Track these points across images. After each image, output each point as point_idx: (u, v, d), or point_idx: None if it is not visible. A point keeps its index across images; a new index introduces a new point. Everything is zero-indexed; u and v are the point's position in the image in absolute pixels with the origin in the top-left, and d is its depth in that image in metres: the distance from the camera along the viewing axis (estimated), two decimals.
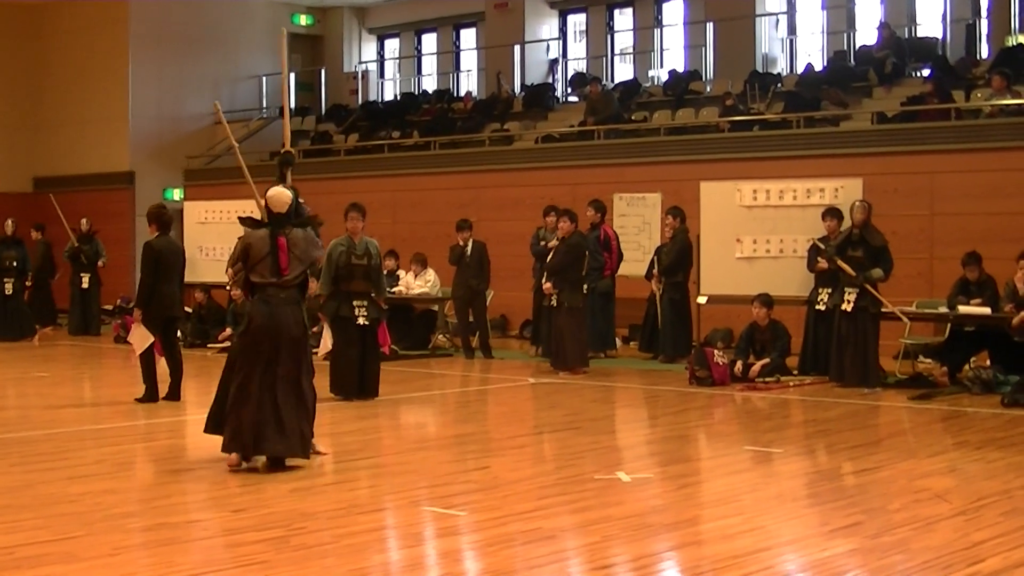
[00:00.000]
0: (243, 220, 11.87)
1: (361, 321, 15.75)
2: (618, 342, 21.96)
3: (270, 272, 11.29)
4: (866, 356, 17.05)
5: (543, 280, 19.42)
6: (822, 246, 17.75)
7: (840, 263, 17.14)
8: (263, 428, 11.10)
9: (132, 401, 16.03)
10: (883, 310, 17.21)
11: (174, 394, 16.09)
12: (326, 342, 15.53)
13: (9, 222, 25.83)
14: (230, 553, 8.41)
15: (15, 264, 25.56)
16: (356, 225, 15.90)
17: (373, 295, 15.99)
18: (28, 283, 25.91)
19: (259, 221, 11.57)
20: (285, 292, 11.35)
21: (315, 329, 16.03)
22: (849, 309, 17.02)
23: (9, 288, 25.45)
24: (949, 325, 17.85)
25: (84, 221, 26.61)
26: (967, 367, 17.26)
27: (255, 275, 11.38)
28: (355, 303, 15.76)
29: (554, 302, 19.02)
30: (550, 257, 19.22)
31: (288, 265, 11.29)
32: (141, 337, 16.07)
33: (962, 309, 17.18)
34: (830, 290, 17.31)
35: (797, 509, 9.91)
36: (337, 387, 15.86)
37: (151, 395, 15.98)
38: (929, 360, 18.38)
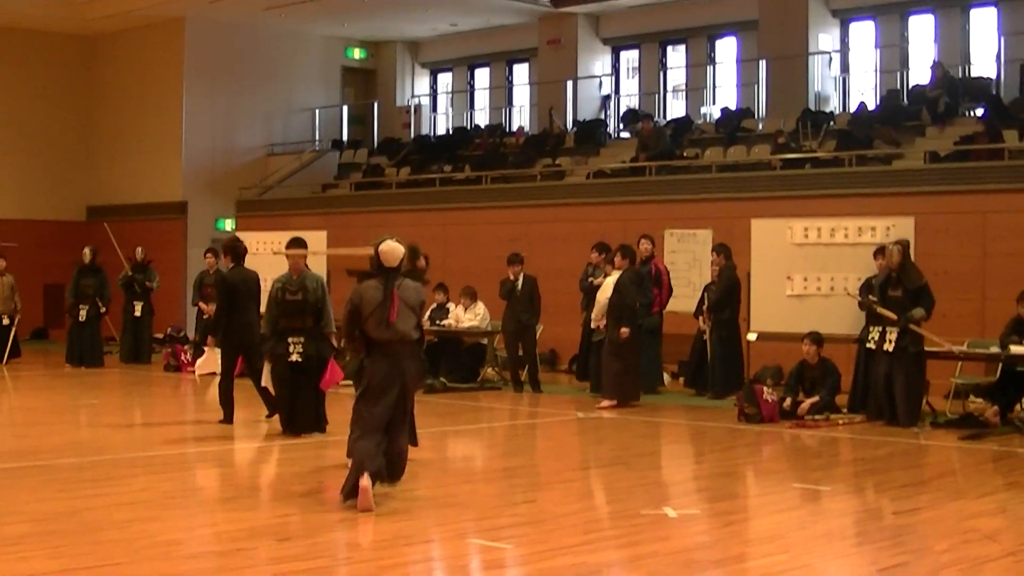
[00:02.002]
0: (353, 273, 11.69)
1: (294, 358, 15.35)
2: (667, 378, 21.94)
3: (384, 323, 10.99)
4: (908, 395, 16.95)
5: (594, 317, 19.50)
6: (860, 298, 17.69)
7: (880, 310, 17.05)
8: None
9: (216, 423, 16.44)
10: (932, 349, 17.13)
11: (272, 410, 16.47)
12: (266, 377, 15.59)
13: (87, 250, 25.92)
14: None
15: (92, 292, 25.69)
16: (297, 262, 15.58)
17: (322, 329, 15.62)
18: (104, 311, 26.03)
19: (368, 273, 11.34)
20: (404, 346, 11.12)
21: None
22: (891, 349, 16.94)
23: (83, 315, 25.59)
24: (1001, 365, 17.72)
25: (139, 250, 26.70)
26: (1019, 407, 17.14)
27: (372, 329, 11.07)
28: (290, 340, 15.35)
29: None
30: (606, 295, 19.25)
31: (398, 314, 10.98)
32: (206, 363, 16.97)
33: (1014, 349, 17.06)
34: (881, 329, 17.19)
35: (844, 548, 9.85)
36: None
37: (228, 417, 16.52)
38: (980, 400, 18.23)
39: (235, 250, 16.83)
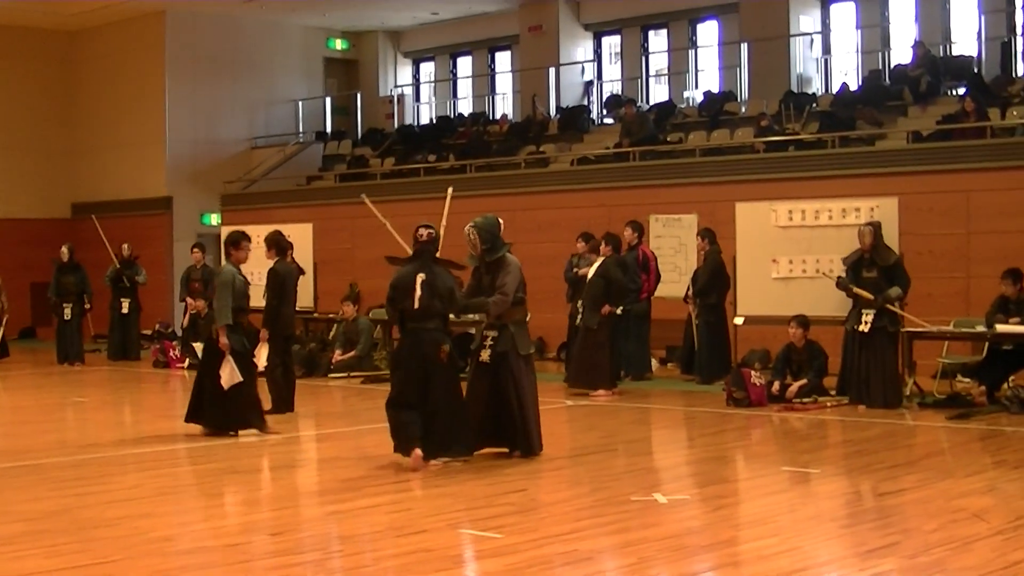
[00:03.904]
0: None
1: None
2: (655, 364, 21.96)
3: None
4: (885, 376, 17.01)
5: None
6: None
7: (857, 291, 17.12)
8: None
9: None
10: (915, 328, 17.19)
11: (289, 405, 17.19)
12: (235, 374, 14.88)
13: (65, 249, 25.94)
14: None
15: (74, 289, 25.71)
16: (247, 255, 15.56)
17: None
18: (88, 307, 26.04)
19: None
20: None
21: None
22: (866, 330, 17.00)
23: (68, 313, 25.63)
24: (987, 344, 17.78)
25: (125, 246, 26.62)
26: (1006, 386, 17.16)
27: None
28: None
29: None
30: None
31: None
32: (265, 356, 17.06)
33: (1000, 327, 17.10)
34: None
35: (834, 529, 9.90)
36: (245, 419, 15.26)
37: (280, 407, 17.09)
38: (967, 379, 18.29)
39: (278, 243, 17.43)
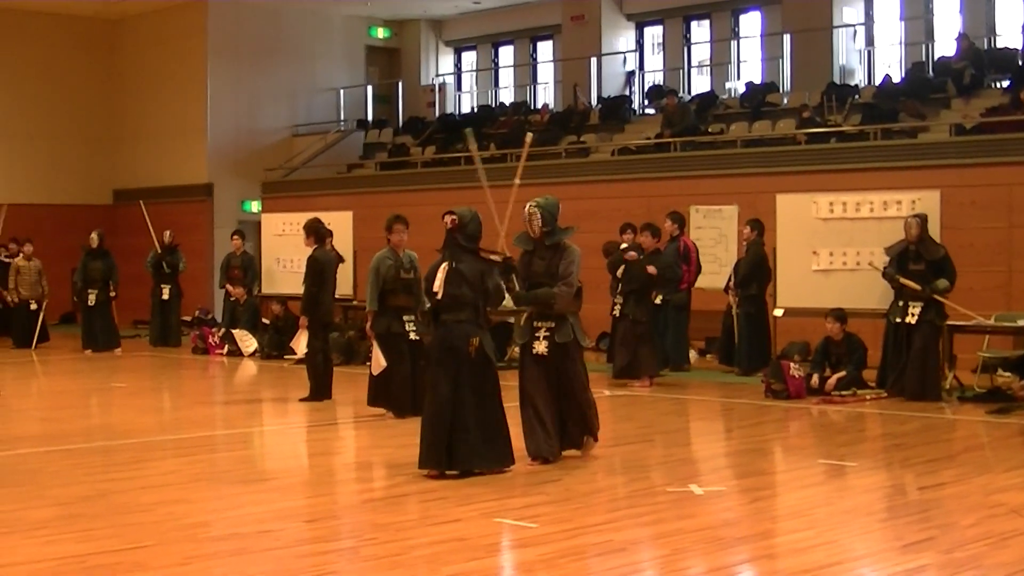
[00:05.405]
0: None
1: (412, 336, 15.61)
2: (694, 355, 21.88)
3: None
4: (926, 369, 16.93)
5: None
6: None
7: (904, 280, 17.04)
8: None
9: (296, 401, 17.14)
10: (958, 322, 17.10)
11: (327, 393, 17.25)
12: (379, 359, 15.29)
13: (94, 235, 25.91)
14: (301, 563, 8.45)
15: (101, 275, 25.69)
16: (402, 238, 15.79)
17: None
18: (113, 294, 26.01)
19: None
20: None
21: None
22: (914, 322, 16.92)
23: (92, 299, 25.61)
24: None
25: (167, 233, 26.62)
26: None
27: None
28: (404, 318, 15.60)
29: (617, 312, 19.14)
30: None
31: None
32: (304, 343, 17.20)
33: None
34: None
35: (870, 523, 9.82)
36: (390, 403, 15.53)
37: (319, 394, 17.16)
38: (1008, 373, 18.16)
39: (318, 231, 17.46)
